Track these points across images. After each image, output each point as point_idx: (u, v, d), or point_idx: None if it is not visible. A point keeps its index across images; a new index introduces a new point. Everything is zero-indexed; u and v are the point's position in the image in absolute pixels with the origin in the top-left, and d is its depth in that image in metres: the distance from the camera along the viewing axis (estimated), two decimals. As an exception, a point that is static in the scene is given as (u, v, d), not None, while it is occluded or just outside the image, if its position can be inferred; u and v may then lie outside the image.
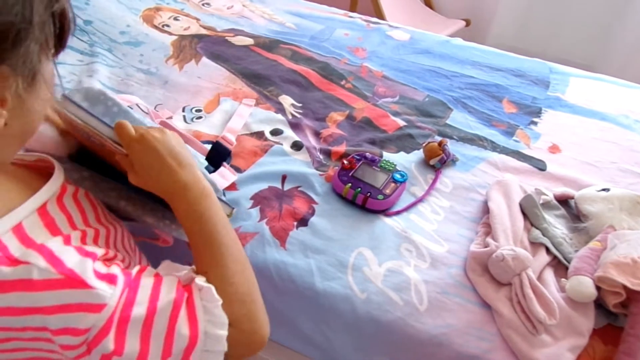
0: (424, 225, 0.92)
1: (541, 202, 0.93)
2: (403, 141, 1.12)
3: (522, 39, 2.44)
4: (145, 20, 1.40)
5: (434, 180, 1.02)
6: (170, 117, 1.12)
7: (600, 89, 1.35)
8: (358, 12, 1.65)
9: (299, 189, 0.97)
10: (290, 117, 1.15)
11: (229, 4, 1.58)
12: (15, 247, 0.44)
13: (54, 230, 0.48)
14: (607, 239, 0.80)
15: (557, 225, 0.90)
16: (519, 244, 0.84)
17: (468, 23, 2.45)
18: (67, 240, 0.47)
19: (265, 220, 0.90)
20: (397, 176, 0.97)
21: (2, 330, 0.45)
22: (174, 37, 1.37)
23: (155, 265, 0.56)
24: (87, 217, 0.54)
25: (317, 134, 1.11)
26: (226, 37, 1.41)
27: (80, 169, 0.68)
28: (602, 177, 1.05)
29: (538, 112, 1.24)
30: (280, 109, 1.17)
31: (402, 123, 1.17)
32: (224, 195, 0.86)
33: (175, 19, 1.45)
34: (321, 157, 1.05)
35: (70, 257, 0.45)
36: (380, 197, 0.93)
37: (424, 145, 1.07)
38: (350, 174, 0.97)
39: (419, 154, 1.08)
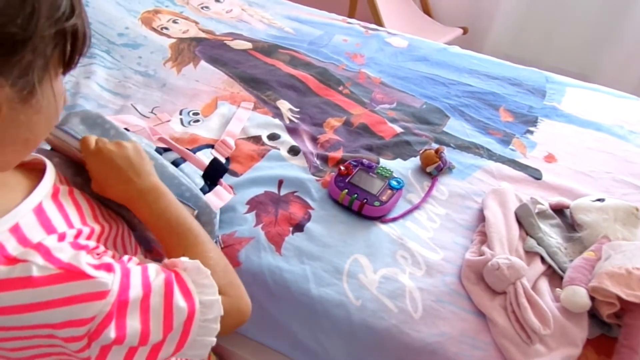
0: (420, 233, 0.93)
1: (536, 211, 0.94)
2: (400, 148, 1.12)
3: (519, 47, 2.46)
4: (144, 22, 1.40)
5: (430, 188, 1.02)
6: (169, 121, 1.11)
7: (596, 99, 1.36)
8: (357, 19, 1.67)
9: (295, 194, 0.97)
10: (287, 122, 1.15)
11: (228, 7, 1.58)
12: (12, 247, 0.44)
13: (49, 228, 0.48)
14: (602, 249, 0.80)
15: (552, 234, 0.90)
16: (514, 253, 0.84)
17: (465, 31, 2.47)
18: (61, 238, 0.48)
19: (260, 225, 0.90)
20: (394, 183, 0.97)
21: (2, 329, 0.44)
22: (173, 40, 1.37)
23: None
24: (84, 215, 0.54)
25: (314, 140, 1.11)
26: (225, 41, 1.41)
27: (72, 164, 0.68)
28: (597, 187, 1.06)
29: (534, 121, 1.25)
30: (278, 114, 1.17)
31: (399, 130, 1.17)
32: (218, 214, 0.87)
33: (174, 21, 1.45)
34: (318, 162, 1.05)
35: (66, 252, 0.45)
36: (376, 203, 0.93)
37: (420, 152, 1.07)
38: (346, 180, 0.97)
39: (415, 161, 1.08)
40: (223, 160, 0.99)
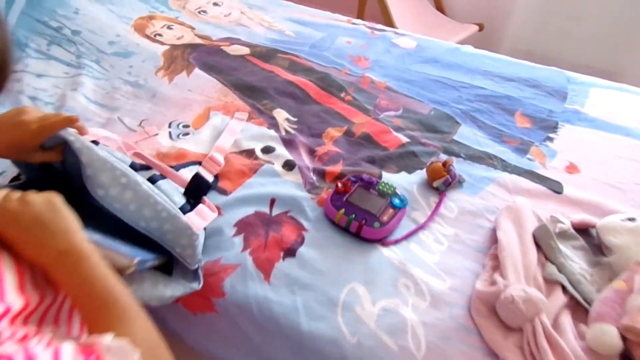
0: (425, 257, 0.83)
1: (557, 230, 0.84)
2: (405, 160, 1.03)
3: (539, 43, 2.33)
4: (136, 29, 1.34)
5: (438, 205, 0.92)
6: (157, 134, 1.05)
7: (624, 100, 1.24)
8: (366, 19, 1.58)
9: (289, 214, 0.89)
10: (283, 133, 1.07)
11: (227, 11, 1.51)
12: None
13: None
14: (634, 279, 0.70)
15: (575, 258, 0.80)
16: (532, 282, 0.74)
17: (481, 27, 2.35)
18: None
19: (249, 250, 0.82)
20: (396, 201, 0.88)
21: None
22: (166, 47, 1.30)
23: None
24: (4, 288, 0.45)
25: (311, 152, 1.03)
26: (221, 46, 1.34)
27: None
28: (627, 201, 0.95)
29: (554, 127, 1.14)
30: (274, 124, 1.09)
31: (404, 139, 1.08)
32: (204, 231, 0.79)
33: (169, 27, 1.38)
34: (314, 178, 0.96)
35: None
36: (376, 224, 0.84)
37: (427, 165, 0.98)
38: (344, 199, 0.88)
39: (421, 174, 0.99)
40: (210, 179, 0.92)
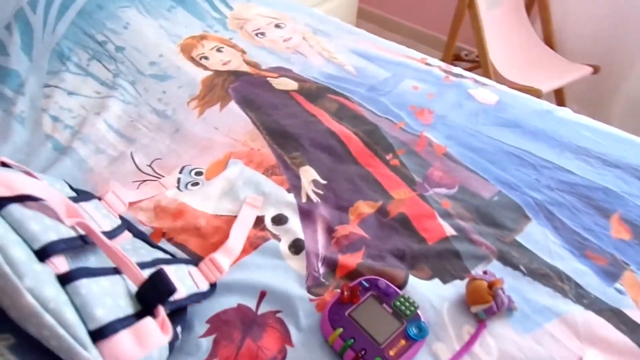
0: (434, 421, 0.62)
1: None
2: (443, 262, 0.81)
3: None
4: (182, 50, 1.24)
5: (472, 339, 0.70)
6: (162, 177, 0.93)
7: None
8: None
9: (277, 314, 0.72)
10: (304, 199, 0.90)
11: (288, 35, 1.37)
12: None
13: None
14: None
15: None
16: None
17: (596, 70, 1.98)
18: None
19: (214, 360, 0.67)
20: (413, 330, 0.68)
21: None
22: (208, 74, 1.19)
23: None
24: None
25: (329, 231, 0.85)
26: (268, 78, 1.20)
27: None
28: None
29: (664, 247, 0.84)
30: (296, 187, 0.93)
31: (450, 232, 0.86)
32: None
33: (219, 50, 1.27)
34: (321, 271, 0.78)
35: None
36: (377, 360, 0.65)
37: (468, 280, 0.76)
38: (347, 312, 0.69)
39: (459, 288, 0.77)
40: (206, 287, 0.72)
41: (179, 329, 0.64)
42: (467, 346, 0.70)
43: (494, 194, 0.94)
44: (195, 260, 0.76)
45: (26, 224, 0.51)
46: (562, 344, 0.70)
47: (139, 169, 0.95)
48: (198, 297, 0.69)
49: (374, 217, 0.88)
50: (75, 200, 0.72)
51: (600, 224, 0.88)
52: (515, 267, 0.80)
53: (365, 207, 0.90)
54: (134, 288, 0.59)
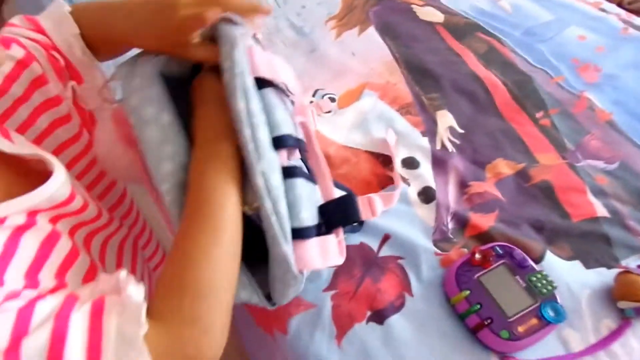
0: (555, 410, 0.58)
1: None
2: (588, 244, 0.72)
3: None
4: (326, -38, 1.16)
5: (613, 335, 0.63)
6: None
7: None
8: None
9: (399, 261, 0.70)
10: (439, 146, 0.84)
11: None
12: None
13: None
14: None
15: None
16: None
17: None
18: None
19: (332, 293, 0.67)
20: (549, 312, 0.62)
21: None
22: (350, -8, 1.11)
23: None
24: (38, 267, 0.40)
25: (463, 186, 0.79)
26: (413, 5, 1.10)
27: None
28: None
29: None
30: (431, 131, 0.86)
31: (602, 212, 0.76)
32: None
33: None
34: (450, 226, 0.73)
35: None
36: (503, 333, 0.60)
37: (620, 272, 0.67)
38: (476, 276, 0.65)
39: (606, 277, 0.68)
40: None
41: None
42: (606, 341, 0.63)
43: (663, 179, 0.80)
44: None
45: (273, 111, 0.50)
46: None
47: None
48: (348, 230, 0.68)
49: (514, 179, 0.80)
50: None
51: None
52: (677, 267, 0.69)
53: (504, 167, 0.81)
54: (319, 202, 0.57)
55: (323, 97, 0.92)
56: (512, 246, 0.68)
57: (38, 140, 0.50)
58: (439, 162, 0.81)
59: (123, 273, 0.39)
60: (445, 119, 0.88)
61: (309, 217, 0.52)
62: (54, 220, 0.45)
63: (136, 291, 0.37)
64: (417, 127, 0.86)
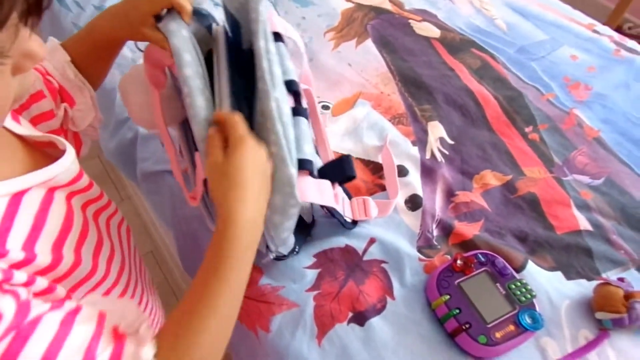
0: (529, 416, 0.59)
1: None
2: (570, 256, 0.73)
3: None
4: (328, -23, 1.20)
5: (590, 345, 0.64)
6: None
7: None
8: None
9: (383, 265, 0.71)
10: (428, 155, 0.86)
11: (439, -24, 1.26)
12: None
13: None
14: None
15: None
16: None
17: None
18: None
19: (315, 294, 0.68)
20: (526, 319, 0.63)
21: None
22: (349, 5, 1.14)
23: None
24: (38, 237, 0.42)
25: (449, 195, 0.80)
26: (410, 20, 1.13)
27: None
28: None
29: None
30: (421, 140, 0.88)
31: (585, 226, 0.77)
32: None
33: (364, -18, 1.20)
34: (435, 233, 0.75)
35: None
36: (481, 339, 0.61)
37: (599, 284, 0.68)
38: (456, 282, 0.66)
39: (585, 289, 0.69)
40: (349, 218, 0.72)
41: (297, 248, 0.66)
42: (582, 351, 0.64)
43: (647, 196, 0.82)
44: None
45: (285, 59, 0.59)
46: (697, 379, 0.62)
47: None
48: (342, 221, 0.70)
49: (500, 190, 0.82)
50: None
51: None
52: (657, 282, 0.71)
53: (492, 178, 0.83)
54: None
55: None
56: (494, 254, 0.70)
57: None
58: (428, 171, 0.83)
59: (144, 327, 0.41)
60: (436, 130, 0.90)
61: (311, 153, 0.57)
62: (69, 197, 0.47)
63: (149, 351, 0.39)
64: (408, 136, 0.88)
